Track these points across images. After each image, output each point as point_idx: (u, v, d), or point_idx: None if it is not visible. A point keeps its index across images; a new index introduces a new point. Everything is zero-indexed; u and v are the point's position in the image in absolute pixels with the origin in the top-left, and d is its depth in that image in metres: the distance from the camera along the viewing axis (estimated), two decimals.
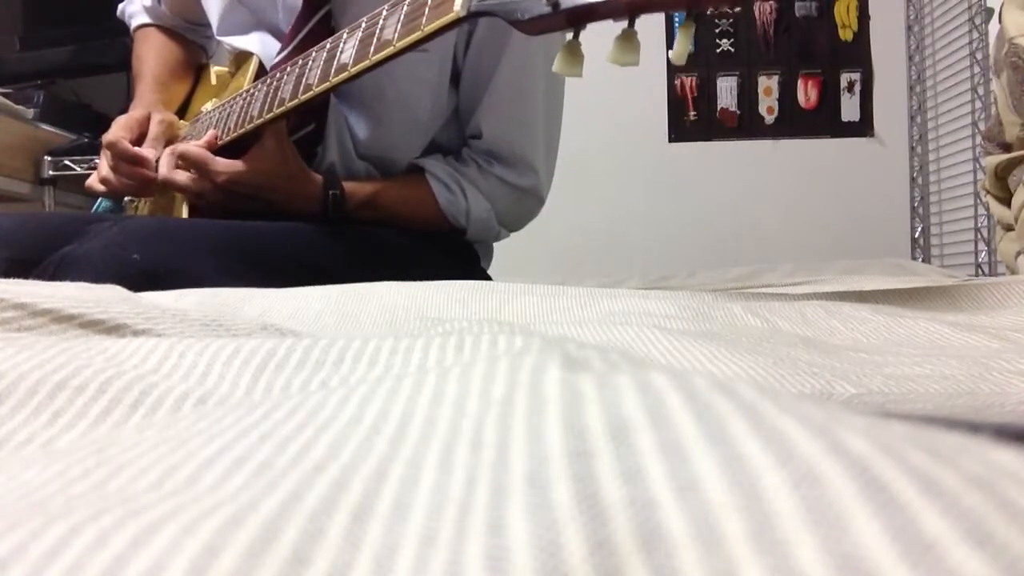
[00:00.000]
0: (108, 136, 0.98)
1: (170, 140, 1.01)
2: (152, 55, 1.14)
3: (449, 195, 0.95)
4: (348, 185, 0.90)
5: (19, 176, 1.81)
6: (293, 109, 0.79)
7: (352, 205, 0.90)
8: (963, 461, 0.09)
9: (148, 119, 1.01)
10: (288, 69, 0.81)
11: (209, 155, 0.86)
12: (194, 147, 0.87)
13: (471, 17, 0.59)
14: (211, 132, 0.89)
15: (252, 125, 0.84)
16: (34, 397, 0.20)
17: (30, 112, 1.85)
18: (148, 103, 1.05)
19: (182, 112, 1.12)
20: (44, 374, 0.20)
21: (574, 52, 0.55)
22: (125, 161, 0.95)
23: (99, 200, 1.08)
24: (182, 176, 0.87)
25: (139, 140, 0.99)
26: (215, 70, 1.10)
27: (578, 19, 0.52)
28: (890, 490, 0.09)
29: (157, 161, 0.94)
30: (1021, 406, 0.27)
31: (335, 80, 0.72)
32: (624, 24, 0.52)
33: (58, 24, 1.99)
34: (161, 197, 1.04)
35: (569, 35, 0.54)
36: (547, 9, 0.52)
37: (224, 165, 0.85)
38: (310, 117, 0.91)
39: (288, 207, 0.88)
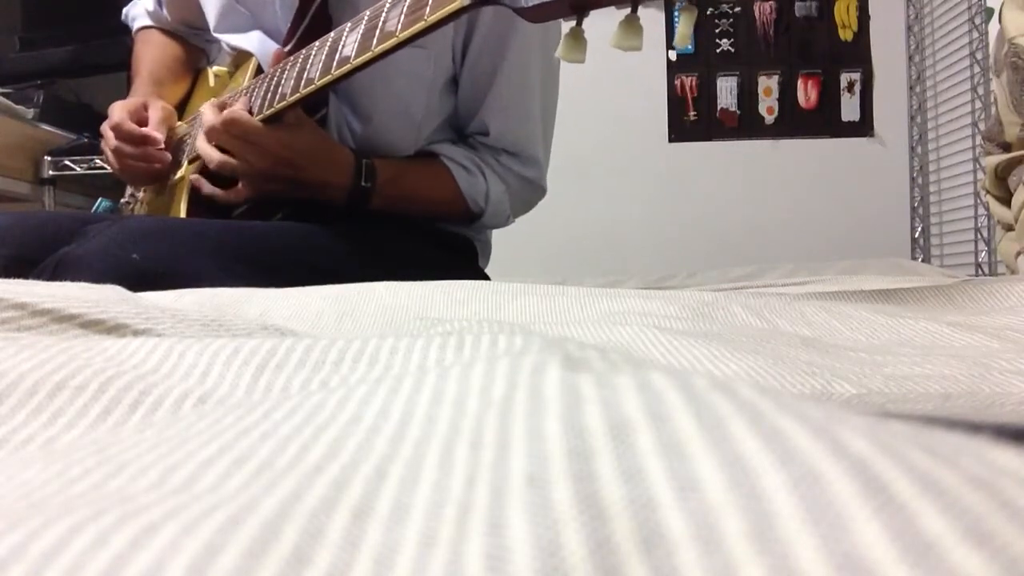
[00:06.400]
0: (111, 119, 0.98)
1: (170, 133, 1.02)
2: (149, 55, 1.14)
3: (469, 176, 0.96)
4: (375, 160, 0.90)
5: (19, 176, 1.81)
6: (294, 103, 0.79)
7: (380, 179, 0.89)
8: (963, 461, 0.09)
9: (146, 106, 1.01)
10: (291, 62, 0.81)
11: (260, 124, 0.82)
12: (244, 114, 0.83)
13: (475, 6, 0.58)
14: (243, 100, 0.85)
15: (258, 118, 0.83)
16: (34, 397, 0.20)
17: (30, 112, 1.85)
18: (143, 95, 1.05)
19: (179, 112, 1.12)
20: (44, 374, 0.20)
21: (577, 39, 0.55)
22: (132, 143, 0.96)
23: (99, 200, 1.08)
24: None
25: (140, 126, 1.00)
26: (214, 70, 1.10)
27: (582, 6, 0.52)
28: (890, 490, 0.09)
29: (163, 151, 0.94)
30: (1021, 406, 0.27)
31: (337, 73, 0.72)
32: (627, 10, 0.53)
33: (58, 24, 1.98)
34: (160, 197, 1.04)
35: (572, 22, 0.54)
36: None
37: (274, 133, 0.82)
38: (320, 103, 0.91)
39: (322, 177, 0.86)
